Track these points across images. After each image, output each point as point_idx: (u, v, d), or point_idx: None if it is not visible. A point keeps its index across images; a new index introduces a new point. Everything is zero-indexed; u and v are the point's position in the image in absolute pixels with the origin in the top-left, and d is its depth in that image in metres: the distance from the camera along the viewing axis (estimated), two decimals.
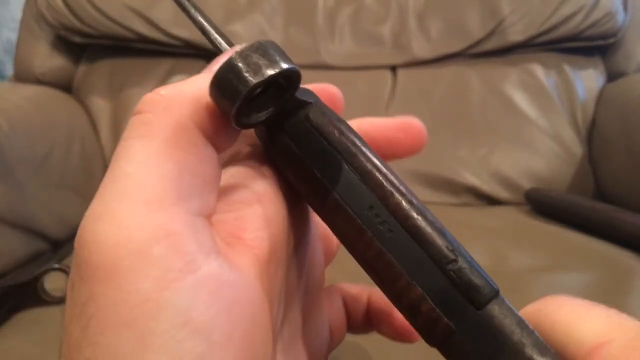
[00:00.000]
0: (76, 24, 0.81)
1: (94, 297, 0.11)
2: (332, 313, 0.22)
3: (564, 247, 0.55)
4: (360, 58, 0.84)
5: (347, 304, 0.23)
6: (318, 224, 0.20)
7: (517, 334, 0.14)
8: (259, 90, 0.15)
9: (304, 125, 0.16)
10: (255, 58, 0.14)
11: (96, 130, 0.81)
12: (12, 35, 1.26)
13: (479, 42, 0.83)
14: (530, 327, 0.14)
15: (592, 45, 0.84)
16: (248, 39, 0.82)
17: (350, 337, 0.24)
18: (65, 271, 0.44)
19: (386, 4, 0.85)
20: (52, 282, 0.44)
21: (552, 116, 0.81)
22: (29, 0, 0.85)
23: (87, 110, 0.83)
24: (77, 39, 0.83)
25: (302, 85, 0.17)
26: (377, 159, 0.16)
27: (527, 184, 0.77)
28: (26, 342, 0.39)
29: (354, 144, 0.16)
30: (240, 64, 0.14)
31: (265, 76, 0.14)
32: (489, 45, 0.83)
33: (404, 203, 0.15)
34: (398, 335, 0.22)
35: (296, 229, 0.17)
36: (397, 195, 0.15)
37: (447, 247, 0.15)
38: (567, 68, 0.84)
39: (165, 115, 0.14)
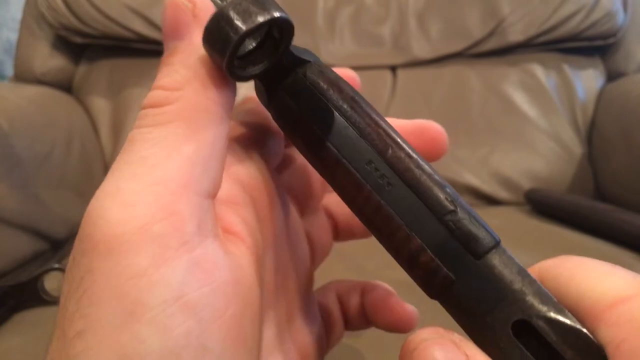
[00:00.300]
0: (76, 24, 0.81)
1: (92, 270, 0.12)
2: (325, 311, 0.22)
3: (564, 247, 0.55)
4: (360, 58, 0.84)
5: (342, 301, 0.23)
6: (300, 228, 0.20)
7: (517, 283, 0.14)
8: (253, 43, 0.15)
9: (302, 82, 0.16)
10: (246, 6, 0.14)
11: (96, 130, 0.81)
12: (12, 35, 1.26)
13: (478, 42, 0.83)
14: (532, 276, 0.14)
15: (592, 45, 0.84)
16: None
17: (349, 339, 0.24)
18: (65, 271, 0.44)
19: (386, 5, 0.85)
20: (52, 282, 0.44)
21: (552, 116, 0.82)
22: (29, 0, 0.85)
23: (87, 110, 0.83)
24: (77, 39, 0.83)
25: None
26: (376, 114, 0.16)
27: (527, 184, 0.77)
28: (26, 342, 0.39)
29: (353, 99, 0.16)
30: (231, 13, 0.14)
31: (256, 22, 0.14)
32: (489, 46, 0.83)
33: (402, 156, 0.15)
34: (394, 325, 0.22)
35: (271, 227, 0.17)
36: (395, 148, 0.15)
37: (446, 199, 0.15)
38: (567, 68, 0.84)
39: (182, 103, 0.14)
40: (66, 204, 0.67)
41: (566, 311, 0.13)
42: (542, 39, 0.83)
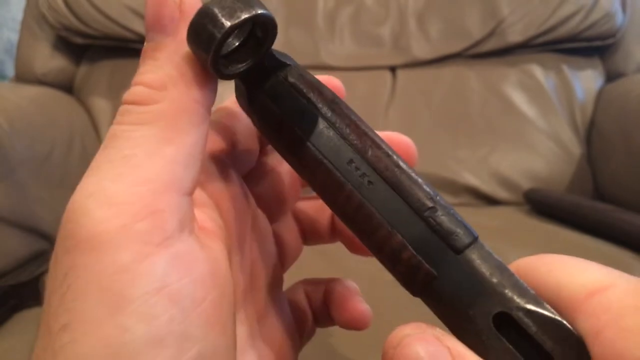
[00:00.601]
0: (77, 24, 0.81)
1: (75, 267, 0.12)
2: (296, 309, 0.23)
3: (563, 247, 0.55)
4: (360, 59, 0.84)
5: (309, 298, 0.23)
6: (268, 232, 0.21)
7: (496, 276, 0.14)
8: (236, 42, 0.16)
9: (283, 84, 0.17)
10: (230, 3, 0.14)
11: (97, 130, 0.81)
12: (13, 36, 1.26)
13: (478, 43, 0.83)
14: (511, 270, 0.14)
15: (591, 45, 0.84)
16: None
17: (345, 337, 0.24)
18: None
19: (386, 5, 0.85)
20: None
21: (551, 116, 0.82)
22: (30, 1, 0.86)
23: (88, 111, 0.83)
24: (78, 40, 0.83)
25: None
26: (356, 116, 0.17)
27: (526, 184, 0.77)
28: (26, 341, 0.39)
29: (333, 101, 0.16)
30: (215, 9, 0.14)
31: (241, 18, 0.14)
32: (489, 46, 0.83)
33: (382, 155, 0.16)
34: (348, 322, 0.22)
35: (237, 229, 0.18)
36: (375, 148, 0.16)
37: (426, 196, 0.15)
38: (566, 69, 0.84)
39: (166, 104, 0.14)
40: (67, 204, 0.67)
41: (544, 303, 0.13)
42: (541, 40, 0.83)
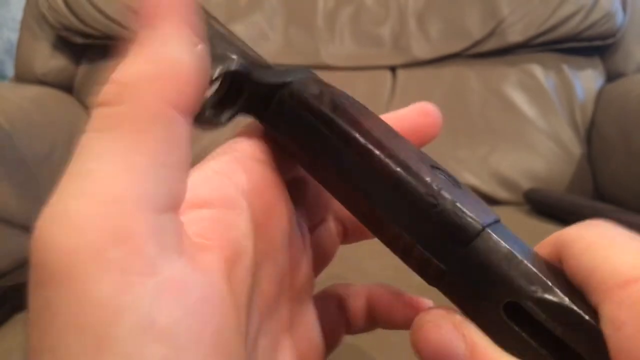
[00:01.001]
0: (77, 24, 0.81)
1: (50, 304, 0.11)
2: (325, 318, 0.22)
3: None
4: (360, 59, 0.84)
5: (346, 306, 0.23)
6: (305, 237, 0.20)
7: (504, 267, 0.14)
8: (218, 91, 0.16)
9: (284, 104, 0.17)
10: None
11: None
12: (13, 36, 1.26)
13: (478, 43, 0.83)
14: (519, 258, 0.14)
15: (591, 45, 0.84)
16: (248, 39, 0.82)
17: (348, 339, 0.24)
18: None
19: (386, 5, 0.85)
20: None
21: (551, 116, 0.82)
22: (30, 0, 0.86)
23: (88, 111, 0.83)
24: (78, 40, 0.83)
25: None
26: (362, 114, 0.17)
27: (526, 184, 0.77)
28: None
29: (335, 108, 0.17)
30: None
31: (211, 76, 0.14)
32: (489, 46, 0.83)
33: (383, 158, 0.16)
34: (403, 324, 0.22)
35: (271, 236, 0.16)
36: (377, 151, 0.16)
37: (427, 193, 0.15)
38: (566, 68, 0.84)
39: (134, 105, 0.12)
40: None
41: (555, 289, 0.14)
42: (541, 40, 0.83)
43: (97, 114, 0.13)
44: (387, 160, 0.16)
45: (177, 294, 0.11)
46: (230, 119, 0.17)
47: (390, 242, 0.16)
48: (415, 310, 0.22)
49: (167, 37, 0.13)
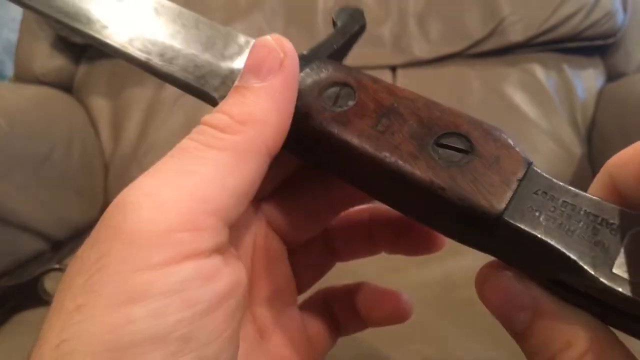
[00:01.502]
0: None
1: (110, 255, 0.13)
2: (314, 324, 0.23)
3: None
4: (360, 58, 0.84)
5: (331, 308, 0.23)
6: (280, 254, 0.22)
7: (531, 251, 0.14)
8: None
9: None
10: None
11: (96, 130, 0.81)
12: (13, 36, 1.26)
13: (478, 43, 0.83)
14: (543, 239, 0.14)
15: (592, 45, 0.84)
16: None
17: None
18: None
19: (386, 5, 0.85)
20: (52, 283, 0.44)
21: (551, 116, 0.82)
22: None
23: (88, 110, 0.83)
24: (78, 40, 0.83)
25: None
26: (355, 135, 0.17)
27: None
28: (26, 342, 0.39)
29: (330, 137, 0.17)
30: None
31: None
32: (489, 46, 0.83)
33: (387, 160, 0.16)
34: (392, 316, 0.23)
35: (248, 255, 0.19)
36: (379, 156, 0.16)
37: (433, 183, 0.15)
38: (566, 68, 0.84)
39: (242, 138, 0.15)
40: (66, 204, 0.67)
41: (585, 269, 0.14)
42: (542, 39, 0.83)
43: (205, 132, 0.15)
44: (391, 158, 0.16)
45: (210, 276, 0.14)
46: None
47: (433, 228, 0.17)
48: (395, 304, 0.23)
49: (276, 93, 0.16)
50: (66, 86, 0.85)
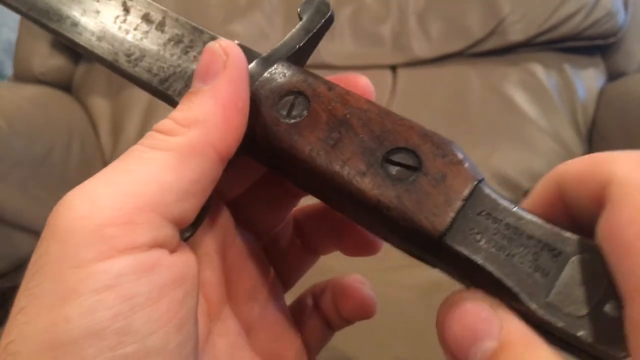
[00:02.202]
0: None
1: (47, 254, 0.14)
2: (304, 320, 0.23)
3: None
4: (360, 58, 0.84)
5: (318, 303, 0.24)
6: (256, 249, 0.22)
7: (474, 270, 0.14)
8: None
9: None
10: None
11: (96, 129, 0.81)
12: (12, 35, 1.26)
13: (479, 42, 0.83)
14: (481, 264, 0.14)
15: (593, 44, 0.84)
16: (248, 38, 0.82)
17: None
18: None
19: (386, 4, 0.85)
20: None
21: (552, 116, 0.81)
22: None
23: (87, 110, 0.83)
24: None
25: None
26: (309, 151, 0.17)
27: (527, 184, 0.77)
28: None
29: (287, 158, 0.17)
30: None
31: None
32: (489, 45, 0.83)
33: (335, 176, 0.16)
34: (355, 311, 0.23)
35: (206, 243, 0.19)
36: (329, 171, 0.16)
37: (378, 200, 0.15)
38: (567, 68, 0.84)
39: (184, 139, 0.16)
40: None
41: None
42: (542, 39, 0.83)
43: (152, 136, 0.16)
44: (334, 180, 0.16)
45: (148, 269, 0.14)
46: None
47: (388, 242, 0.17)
48: (358, 299, 0.23)
49: (218, 93, 0.16)
50: (65, 86, 0.85)
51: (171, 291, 0.14)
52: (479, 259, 0.14)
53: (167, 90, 0.19)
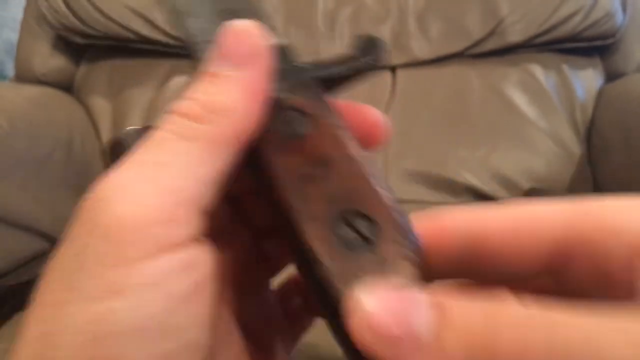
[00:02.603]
0: (77, 24, 0.81)
1: (86, 251, 0.13)
2: (285, 302, 0.23)
3: None
4: None
5: (298, 287, 0.24)
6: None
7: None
8: None
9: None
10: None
11: (96, 130, 0.81)
12: (13, 36, 1.26)
13: (478, 43, 0.83)
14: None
15: (591, 45, 0.84)
16: None
17: None
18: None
19: (386, 5, 0.85)
20: None
21: (551, 116, 0.82)
22: (30, 0, 0.86)
23: (88, 111, 0.83)
24: (78, 40, 0.83)
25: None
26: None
27: (526, 184, 0.77)
28: None
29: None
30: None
31: None
32: (489, 46, 0.83)
33: (291, 210, 0.15)
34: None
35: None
36: (288, 201, 0.16)
37: (318, 261, 0.15)
38: (566, 68, 0.84)
39: (214, 128, 0.15)
40: (67, 204, 0.67)
41: None
42: (541, 39, 0.83)
43: (178, 121, 0.15)
44: (289, 211, 0.15)
45: (189, 267, 0.14)
46: None
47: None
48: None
49: (249, 83, 0.16)
50: (66, 86, 0.85)
51: (205, 288, 0.15)
52: None
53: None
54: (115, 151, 0.17)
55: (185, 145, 0.15)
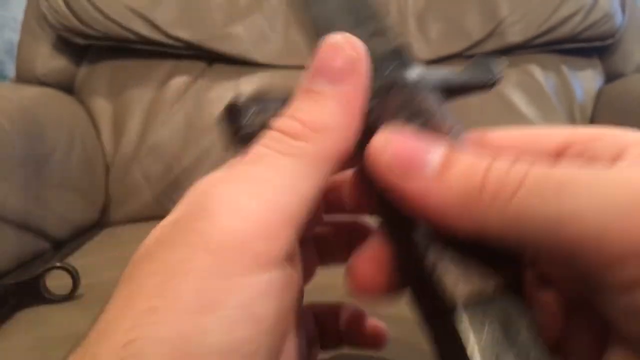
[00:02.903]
0: (78, 25, 0.81)
1: (191, 261, 0.13)
2: (307, 334, 0.23)
3: None
4: None
5: (320, 322, 0.24)
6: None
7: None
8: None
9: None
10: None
11: (97, 130, 0.82)
12: (14, 36, 1.26)
13: (478, 43, 0.83)
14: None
15: (591, 46, 0.85)
16: (248, 39, 0.82)
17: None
18: (67, 269, 0.44)
19: (386, 5, 0.85)
20: (53, 281, 0.44)
21: (550, 117, 0.82)
22: (31, 1, 0.86)
23: (89, 111, 0.83)
24: (79, 40, 0.83)
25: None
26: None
27: None
28: (28, 340, 0.39)
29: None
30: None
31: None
32: (488, 46, 0.84)
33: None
34: (368, 343, 0.24)
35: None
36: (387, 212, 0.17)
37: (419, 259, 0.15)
38: (565, 69, 0.84)
39: (317, 147, 0.15)
40: (67, 204, 0.67)
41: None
42: (541, 40, 0.83)
43: (278, 139, 0.15)
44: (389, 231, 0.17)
45: (278, 291, 0.14)
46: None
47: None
48: (376, 334, 0.23)
49: (348, 101, 0.16)
50: (67, 87, 0.85)
51: (287, 315, 0.15)
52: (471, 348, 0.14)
53: None
54: (231, 116, 0.17)
55: (287, 162, 0.15)
